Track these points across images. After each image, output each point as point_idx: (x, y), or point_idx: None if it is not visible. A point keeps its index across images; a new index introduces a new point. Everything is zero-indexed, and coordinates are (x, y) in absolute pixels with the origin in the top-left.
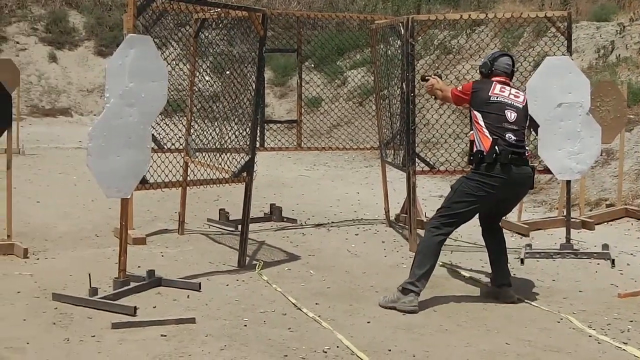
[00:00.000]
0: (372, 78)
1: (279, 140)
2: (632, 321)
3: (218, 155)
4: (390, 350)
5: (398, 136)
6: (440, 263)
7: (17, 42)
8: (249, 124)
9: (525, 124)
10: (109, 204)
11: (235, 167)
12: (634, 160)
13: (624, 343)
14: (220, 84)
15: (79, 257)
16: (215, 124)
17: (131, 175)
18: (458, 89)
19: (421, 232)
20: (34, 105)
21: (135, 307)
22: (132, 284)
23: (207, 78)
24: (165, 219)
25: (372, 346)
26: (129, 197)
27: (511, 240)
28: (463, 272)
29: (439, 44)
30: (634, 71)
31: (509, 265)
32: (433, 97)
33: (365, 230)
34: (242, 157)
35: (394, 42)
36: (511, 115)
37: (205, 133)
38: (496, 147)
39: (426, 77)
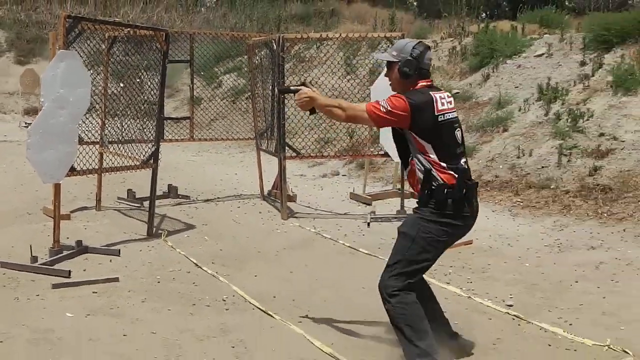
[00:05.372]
0: (243, 81)
1: (174, 133)
2: (451, 266)
3: (127, 146)
4: (274, 297)
5: (269, 129)
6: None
7: None
8: (153, 120)
9: None
10: (36, 187)
11: (143, 156)
12: None
13: (446, 283)
14: (129, 89)
15: (18, 231)
16: (126, 121)
17: (63, 165)
18: (382, 106)
19: (291, 204)
20: None
21: (69, 270)
22: (65, 252)
23: (121, 84)
24: (84, 198)
25: (261, 294)
26: (61, 182)
27: (358, 208)
28: (325, 235)
29: (295, 54)
30: (444, 77)
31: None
32: (308, 111)
33: (245, 203)
34: (149, 148)
35: (267, 55)
36: (459, 134)
37: (116, 128)
38: (463, 182)
39: (292, 88)
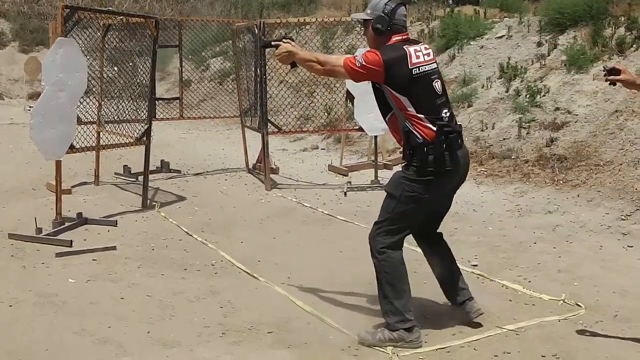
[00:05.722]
0: (229, 64)
1: (166, 113)
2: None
3: (123, 125)
4: (259, 261)
5: (253, 107)
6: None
7: None
8: (146, 101)
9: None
10: (40, 165)
11: (137, 133)
12: None
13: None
14: (123, 72)
15: (23, 206)
16: (121, 102)
17: (63, 143)
18: (357, 61)
19: (274, 176)
20: None
21: (71, 240)
22: (67, 224)
23: (115, 68)
24: (83, 174)
25: (247, 259)
26: (61, 159)
27: (336, 179)
28: (305, 204)
29: (276, 38)
30: None
31: (461, 275)
32: (289, 65)
33: (231, 176)
34: (142, 126)
35: (250, 39)
36: (438, 85)
37: (112, 109)
38: (442, 135)
39: (273, 43)
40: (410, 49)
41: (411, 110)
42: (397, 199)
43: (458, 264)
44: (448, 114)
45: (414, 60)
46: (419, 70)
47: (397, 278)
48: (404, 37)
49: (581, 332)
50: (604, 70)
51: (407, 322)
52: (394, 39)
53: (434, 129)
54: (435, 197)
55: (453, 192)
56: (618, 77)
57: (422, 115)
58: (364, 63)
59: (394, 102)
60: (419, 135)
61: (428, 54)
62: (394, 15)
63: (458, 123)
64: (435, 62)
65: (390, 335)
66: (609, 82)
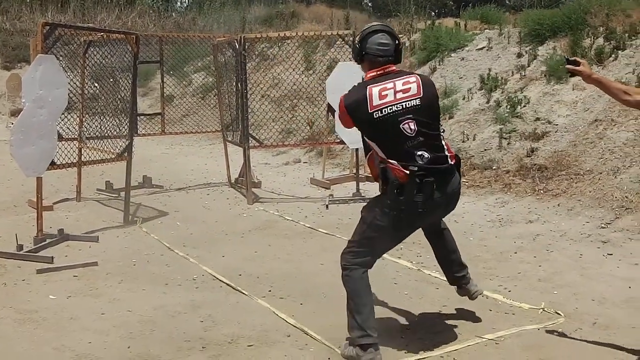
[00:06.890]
0: (211, 79)
1: (148, 128)
2: (402, 242)
3: (105, 141)
4: (240, 275)
5: (235, 122)
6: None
7: None
8: (127, 117)
9: (433, 115)
10: (21, 181)
11: (118, 149)
12: None
13: (398, 257)
14: (105, 88)
15: (4, 222)
16: (102, 118)
17: (43, 160)
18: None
19: (256, 190)
20: None
21: (52, 257)
22: (48, 240)
23: (96, 84)
24: (65, 190)
25: (228, 272)
26: (42, 175)
27: (318, 192)
28: (287, 217)
29: (259, 53)
30: None
31: (461, 262)
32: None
33: (213, 191)
34: (123, 142)
35: (231, 53)
36: (410, 126)
37: (93, 125)
38: (416, 179)
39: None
40: (375, 89)
41: (381, 154)
42: (368, 225)
43: (439, 275)
44: (427, 155)
45: (376, 102)
46: (381, 112)
47: (357, 293)
48: (379, 71)
49: (559, 339)
50: (565, 59)
51: (368, 337)
52: (369, 75)
53: (407, 172)
54: (406, 230)
55: (444, 211)
56: (576, 68)
57: (394, 161)
58: (339, 110)
59: (368, 144)
60: (392, 175)
61: (406, 90)
62: (365, 45)
63: (449, 156)
64: (417, 97)
65: (349, 351)
66: (568, 71)
